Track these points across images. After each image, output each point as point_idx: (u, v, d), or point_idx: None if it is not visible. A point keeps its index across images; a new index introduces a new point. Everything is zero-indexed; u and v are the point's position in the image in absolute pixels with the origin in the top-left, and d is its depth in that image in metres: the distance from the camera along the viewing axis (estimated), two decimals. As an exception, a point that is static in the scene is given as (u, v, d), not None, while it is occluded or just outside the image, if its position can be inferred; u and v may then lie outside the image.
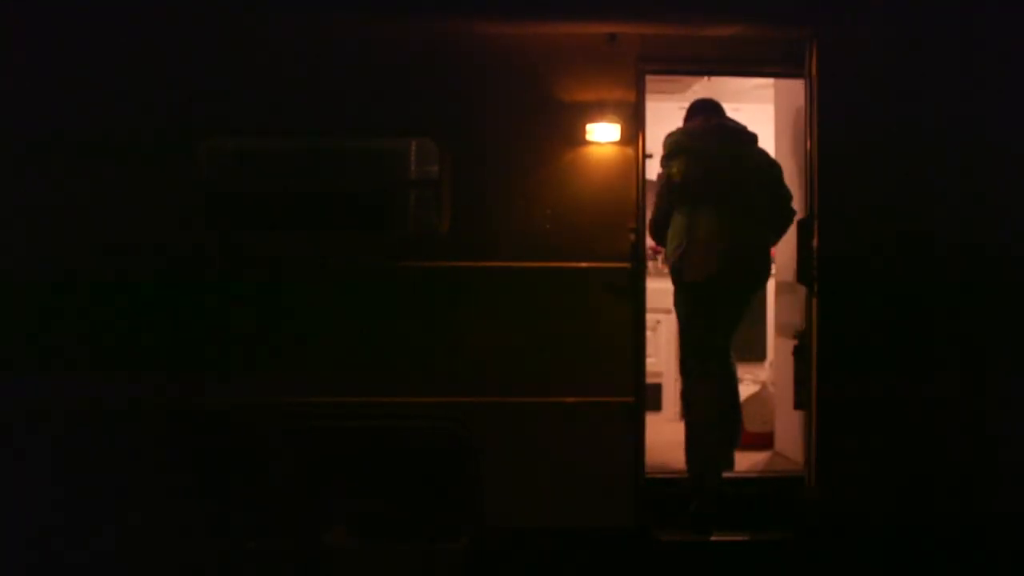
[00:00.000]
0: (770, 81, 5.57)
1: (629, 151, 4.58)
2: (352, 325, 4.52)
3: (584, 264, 4.55)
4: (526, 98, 4.55)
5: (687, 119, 5.22)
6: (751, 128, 5.18)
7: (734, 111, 5.41)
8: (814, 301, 4.50)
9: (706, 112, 5.13)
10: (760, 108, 5.84)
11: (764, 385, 5.80)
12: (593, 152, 4.58)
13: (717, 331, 4.86)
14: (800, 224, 4.64)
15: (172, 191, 4.50)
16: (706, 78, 5.72)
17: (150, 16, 4.49)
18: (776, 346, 5.71)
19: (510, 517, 4.53)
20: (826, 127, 4.46)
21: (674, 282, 4.88)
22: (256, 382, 4.48)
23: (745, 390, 5.61)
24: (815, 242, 4.48)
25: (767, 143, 5.31)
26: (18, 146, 4.47)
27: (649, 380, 4.92)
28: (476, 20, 4.52)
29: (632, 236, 4.55)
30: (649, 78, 4.74)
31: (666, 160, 4.92)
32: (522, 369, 4.53)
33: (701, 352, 4.85)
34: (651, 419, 4.96)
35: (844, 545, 4.55)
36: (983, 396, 4.58)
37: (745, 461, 5.15)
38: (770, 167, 4.98)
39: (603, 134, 4.54)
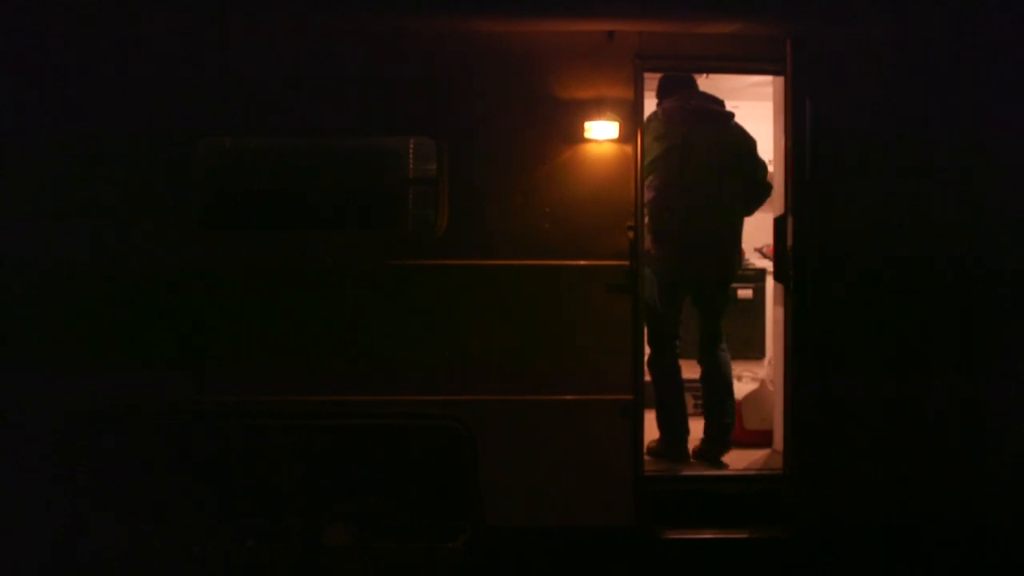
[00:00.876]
0: (769, 78, 5.56)
1: (627, 149, 4.58)
2: (351, 323, 4.51)
3: (583, 262, 4.55)
4: (524, 96, 4.55)
5: (661, 94, 5.31)
6: (750, 126, 5.22)
7: (733, 108, 5.41)
8: (790, 299, 4.55)
9: (680, 87, 5.23)
10: (759, 105, 5.83)
11: (763, 383, 5.79)
12: (591, 150, 4.57)
13: (675, 317, 5.13)
14: (776, 222, 4.64)
15: (169, 190, 4.49)
16: (704, 75, 5.71)
17: (148, 15, 4.48)
18: (774, 344, 5.70)
19: (509, 516, 4.53)
20: (799, 126, 4.47)
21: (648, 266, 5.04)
22: (254, 380, 4.48)
23: (744, 388, 5.61)
24: (789, 241, 4.47)
25: (766, 141, 5.31)
26: (16, 146, 4.47)
27: (648, 378, 4.91)
28: (474, 18, 4.51)
29: (631, 234, 4.55)
30: (647, 76, 4.74)
31: (649, 155, 4.97)
32: (521, 367, 4.53)
33: (659, 332, 5.10)
34: (650, 417, 4.96)
35: (840, 543, 4.56)
36: (960, 394, 4.58)
37: (744, 459, 5.15)
38: (746, 144, 5.15)
39: (601, 132, 4.53)
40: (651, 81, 5.20)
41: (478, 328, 4.52)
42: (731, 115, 5.20)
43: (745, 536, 4.55)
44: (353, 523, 4.52)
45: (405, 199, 4.84)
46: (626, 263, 4.54)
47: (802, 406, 4.53)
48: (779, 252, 4.59)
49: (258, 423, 4.51)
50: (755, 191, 5.18)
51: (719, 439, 5.08)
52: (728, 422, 5.12)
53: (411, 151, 4.79)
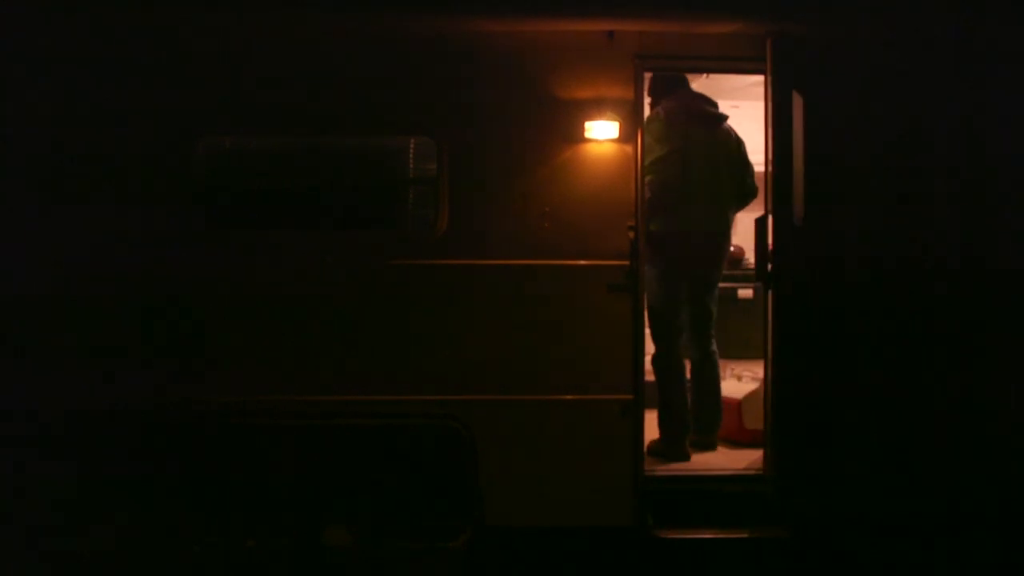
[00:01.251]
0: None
1: (628, 148, 4.58)
2: (351, 323, 4.51)
3: (583, 262, 4.54)
4: (524, 95, 4.55)
5: (656, 93, 5.37)
6: (751, 126, 5.23)
7: (733, 108, 5.42)
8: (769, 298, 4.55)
9: (677, 87, 5.32)
10: (761, 105, 5.80)
11: (763, 382, 5.79)
12: (592, 150, 4.57)
13: (678, 315, 5.23)
14: (757, 222, 4.66)
15: (170, 190, 4.49)
16: (704, 75, 5.71)
17: (149, 16, 4.48)
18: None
19: (509, 516, 4.53)
20: (781, 127, 4.45)
21: (648, 266, 5.07)
22: (254, 380, 4.47)
23: (744, 387, 5.61)
24: (769, 241, 4.47)
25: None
26: (16, 148, 4.48)
27: (648, 378, 4.92)
28: (475, 17, 4.50)
29: (631, 234, 4.54)
30: (648, 76, 4.74)
31: (649, 155, 5.01)
32: (521, 367, 4.53)
33: (663, 331, 5.19)
34: (650, 417, 4.96)
35: (841, 544, 4.56)
36: (930, 397, 4.58)
37: (744, 458, 5.15)
38: (738, 147, 5.29)
39: (602, 131, 4.53)
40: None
41: (478, 328, 4.52)
42: (725, 117, 5.30)
43: (745, 536, 4.54)
44: (353, 523, 4.52)
45: (405, 199, 4.83)
46: (626, 263, 4.54)
47: (784, 406, 4.52)
48: (759, 251, 4.60)
49: (258, 423, 4.51)
50: (743, 192, 5.34)
51: (711, 424, 5.28)
52: (712, 421, 5.32)
53: (411, 151, 4.79)
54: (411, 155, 4.78)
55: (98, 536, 4.37)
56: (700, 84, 5.79)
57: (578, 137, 4.55)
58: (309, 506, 4.52)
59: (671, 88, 5.32)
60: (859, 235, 4.55)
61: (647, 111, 5.03)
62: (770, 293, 4.53)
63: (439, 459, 4.57)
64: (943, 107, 4.60)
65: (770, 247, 4.47)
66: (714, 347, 5.36)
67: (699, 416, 5.31)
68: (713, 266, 5.30)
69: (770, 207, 4.50)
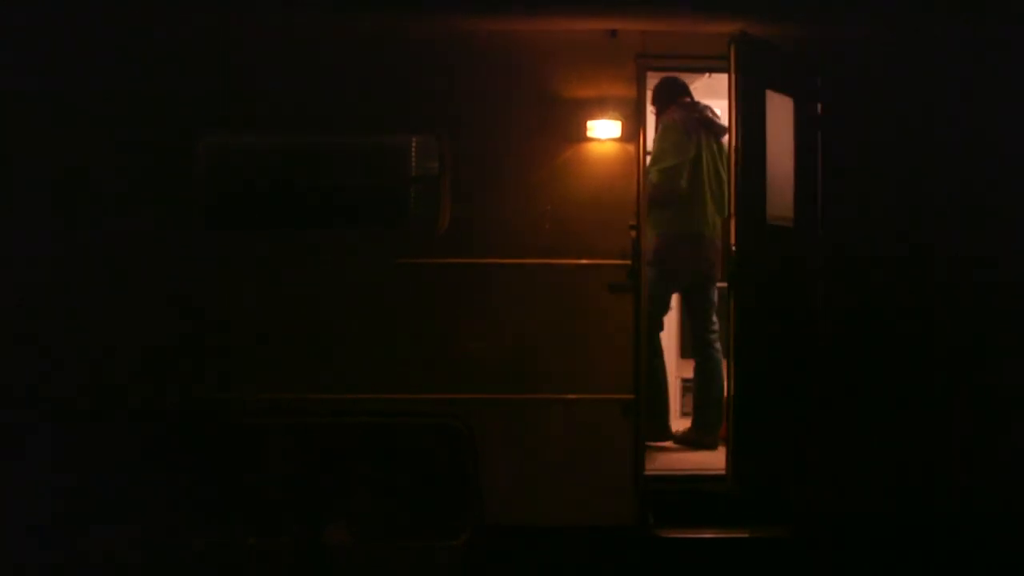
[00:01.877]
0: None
1: (630, 148, 4.57)
2: (352, 322, 4.50)
3: (584, 261, 4.54)
4: (527, 95, 4.55)
5: (662, 101, 5.42)
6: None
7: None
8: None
9: (681, 94, 5.39)
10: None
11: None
12: (594, 149, 4.57)
13: (664, 313, 5.36)
14: (723, 223, 4.67)
15: (171, 189, 4.47)
16: (707, 75, 5.71)
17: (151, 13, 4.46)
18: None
19: (509, 515, 4.53)
20: (749, 128, 4.43)
21: (650, 263, 5.01)
22: (255, 379, 4.46)
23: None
24: (732, 242, 4.46)
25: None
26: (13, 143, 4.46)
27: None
28: (476, 16, 4.50)
29: (632, 233, 4.54)
30: (650, 75, 4.73)
31: (661, 161, 5.06)
32: (522, 366, 4.53)
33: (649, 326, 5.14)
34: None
35: (842, 543, 4.58)
36: (892, 397, 4.63)
37: (744, 458, 5.16)
38: None
39: (604, 131, 4.53)
40: (654, 80, 5.20)
41: (479, 327, 4.52)
42: (726, 129, 5.33)
43: (745, 536, 4.55)
44: (353, 522, 4.52)
45: (407, 198, 4.83)
46: (628, 262, 4.54)
47: (742, 402, 4.47)
48: (726, 252, 4.59)
49: (258, 422, 4.50)
50: None
51: (711, 425, 5.28)
52: (719, 418, 5.28)
53: (413, 150, 4.78)
54: (413, 154, 4.78)
55: (98, 536, 4.36)
56: (701, 84, 5.80)
57: (580, 136, 4.54)
58: (309, 505, 4.52)
59: (674, 96, 5.39)
60: (834, 235, 4.60)
61: (649, 111, 5.02)
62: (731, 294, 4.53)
63: (439, 458, 4.56)
64: (943, 107, 4.63)
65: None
66: (717, 346, 5.37)
67: (701, 415, 5.33)
68: (713, 268, 5.37)
69: (733, 208, 4.48)
